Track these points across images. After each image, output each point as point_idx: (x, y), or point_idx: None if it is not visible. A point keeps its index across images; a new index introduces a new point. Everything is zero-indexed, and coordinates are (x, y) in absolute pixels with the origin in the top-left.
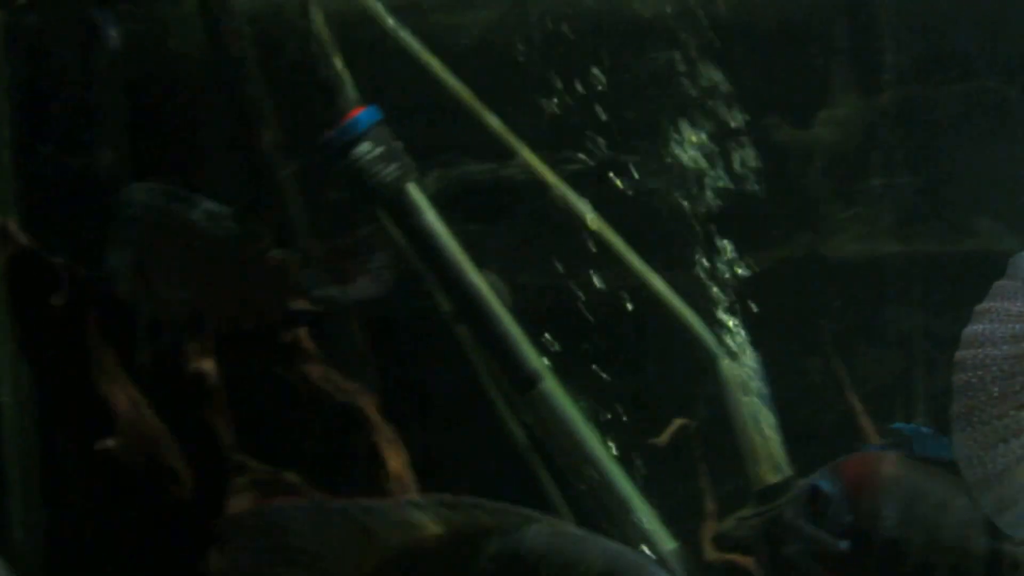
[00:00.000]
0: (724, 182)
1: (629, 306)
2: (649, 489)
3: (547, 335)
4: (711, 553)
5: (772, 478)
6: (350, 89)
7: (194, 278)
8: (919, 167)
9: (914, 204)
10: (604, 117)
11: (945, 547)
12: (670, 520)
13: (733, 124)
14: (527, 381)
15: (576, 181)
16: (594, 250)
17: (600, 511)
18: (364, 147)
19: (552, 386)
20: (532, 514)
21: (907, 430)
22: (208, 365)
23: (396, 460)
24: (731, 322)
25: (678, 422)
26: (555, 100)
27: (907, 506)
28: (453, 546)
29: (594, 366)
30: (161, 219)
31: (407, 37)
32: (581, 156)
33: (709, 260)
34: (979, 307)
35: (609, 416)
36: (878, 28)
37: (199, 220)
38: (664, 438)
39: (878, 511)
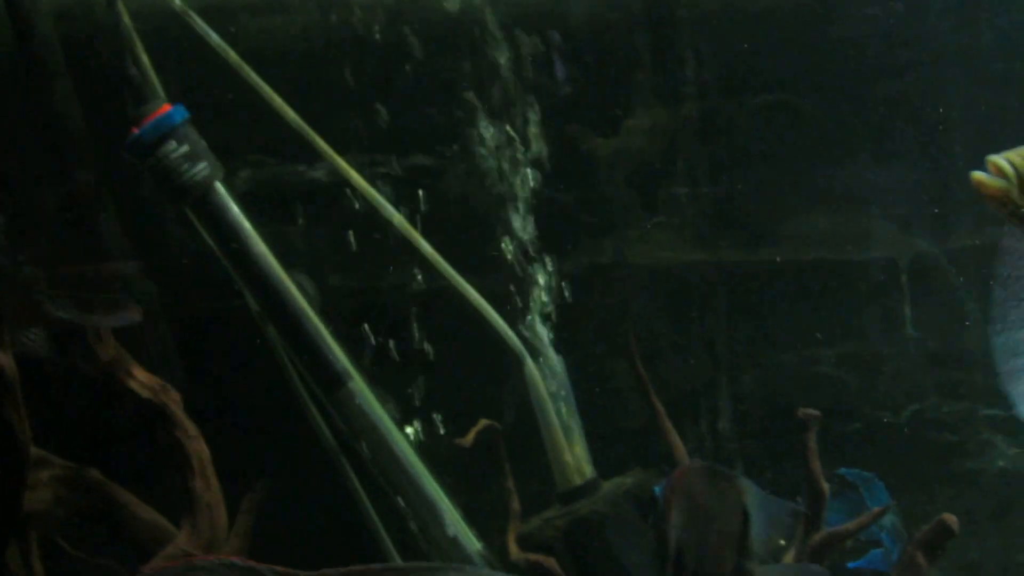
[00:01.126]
0: (533, 186)
1: (435, 307)
2: (455, 490)
3: (357, 335)
4: (516, 553)
5: (575, 480)
6: (157, 88)
7: None
8: (721, 177)
9: (717, 212)
10: (412, 120)
11: (708, 559)
12: (476, 521)
13: (537, 130)
14: (335, 381)
15: (384, 184)
16: (402, 252)
17: (408, 512)
18: (170, 145)
19: (360, 386)
20: None
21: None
22: (2, 359)
23: (199, 458)
24: (537, 325)
25: (483, 423)
26: (363, 103)
27: (689, 517)
28: None
29: (401, 367)
30: None
31: (216, 38)
32: (389, 159)
33: (517, 264)
34: None
35: (416, 418)
36: (680, 41)
37: None
38: (469, 438)
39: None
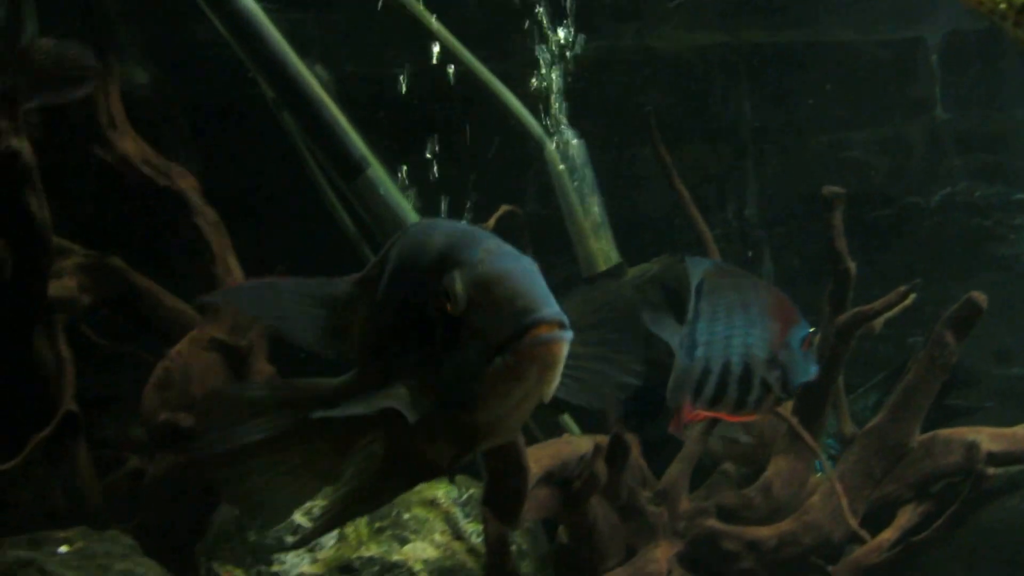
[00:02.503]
0: None
1: (455, 94)
2: None
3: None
4: None
5: (601, 266)
6: None
7: None
8: None
9: None
10: None
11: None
12: None
13: None
14: (354, 169)
15: None
16: (420, 38)
17: None
18: None
19: (379, 174)
20: None
21: None
22: (21, 143)
23: (219, 244)
24: (558, 109)
25: (504, 208)
26: None
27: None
28: None
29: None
30: None
31: None
32: None
33: (539, 48)
34: None
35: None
36: None
37: None
38: (490, 224)
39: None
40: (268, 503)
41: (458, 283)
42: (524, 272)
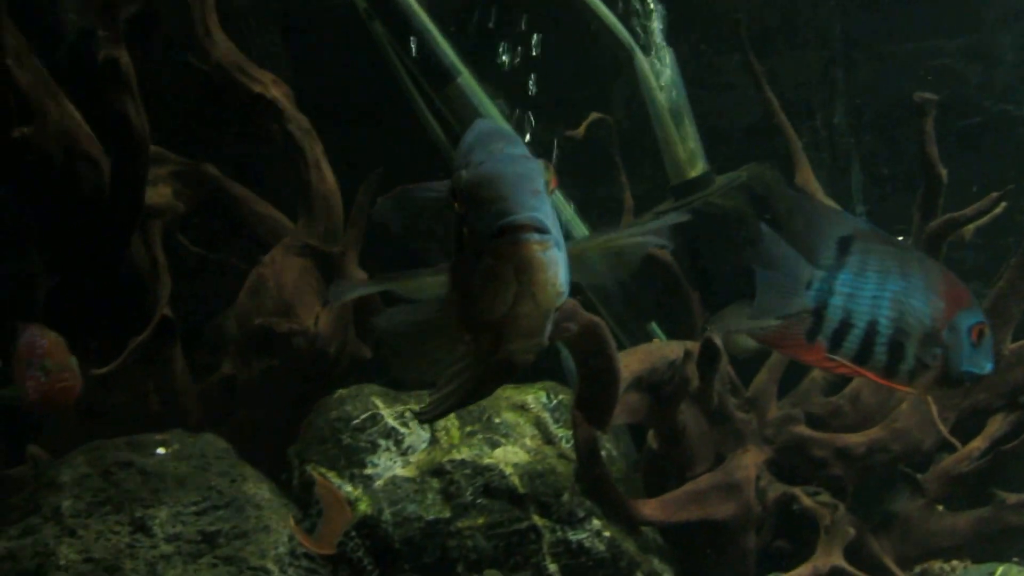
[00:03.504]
0: None
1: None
2: (569, 186)
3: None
4: None
5: (689, 174)
6: None
7: None
8: None
9: None
10: None
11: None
12: (589, 216)
13: None
14: (444, 76)
15: None
16: None
17: None
18: None
19: (468, 82)
20: None
21: None
22: (119, 51)
23: (312, 150)
24: (647, 17)
25: (594, 115)
26: None
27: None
28: None
29: (507, 59)
30: None
31: None
32: None
33: None
34: None
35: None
36: None
37: None
38: (581, 130)
39: None
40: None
41: (459, 183)
42: (512, 176)
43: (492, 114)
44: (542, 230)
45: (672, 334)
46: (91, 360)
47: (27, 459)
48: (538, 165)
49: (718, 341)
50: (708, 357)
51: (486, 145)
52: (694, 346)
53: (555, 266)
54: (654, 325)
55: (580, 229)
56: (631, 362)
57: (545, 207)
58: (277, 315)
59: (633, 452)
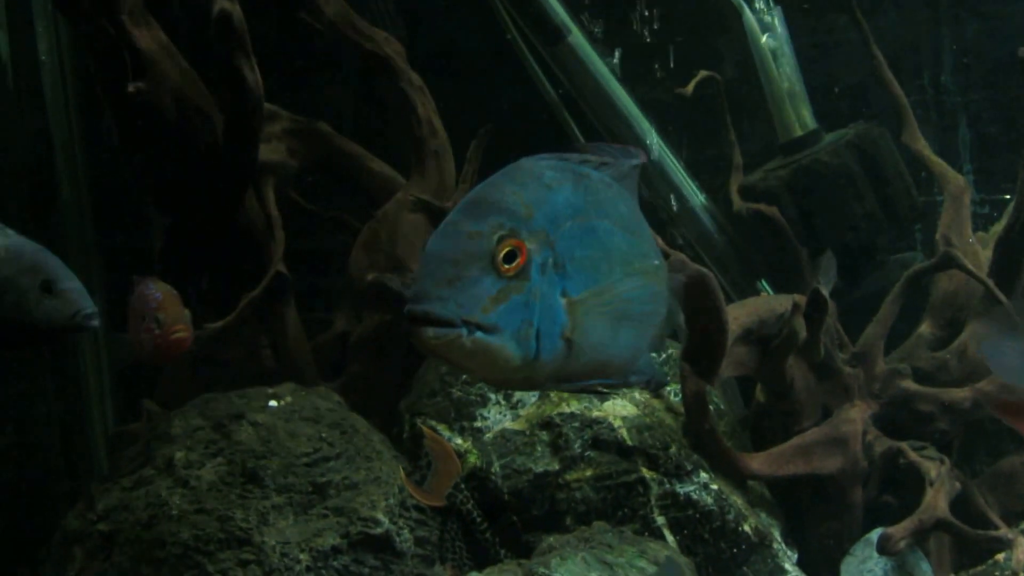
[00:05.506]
0: None
1: None
2: (678, 144)
3: None
4: (738, 203)
5: (797, 132)
6: None
7: None
8: None
9: None
10: None
11: None
12: (699, 174)
13: None
14: (555, 34)
15: None
16: None
17: None
18: None
19: (579, 40)
20: None
21: None
22: (232, 6)
23: (424, 107)
24: None
25: (703, 74)
26: None
27: None
28: None
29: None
30: None
31: None
32: None
33: None
34: None
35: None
36: None
37: None
38: (690, 88)
39: None
40: None
41: None
42: (435, 258)
43: (603, 74)
44: (439, 322)
45: (780, 290)
46: (207, 315)
47: (142, 414)
48: (483, 244)
49: (825, 292)
50: (815, 309)
51: (453, 212)
52: (802, 299)
53: (459, 352)
54: (763, 283)
55: (690, 189)
56: (740, 315)
57: (463, 294)
58: (390, 270)
59: (741, 406)
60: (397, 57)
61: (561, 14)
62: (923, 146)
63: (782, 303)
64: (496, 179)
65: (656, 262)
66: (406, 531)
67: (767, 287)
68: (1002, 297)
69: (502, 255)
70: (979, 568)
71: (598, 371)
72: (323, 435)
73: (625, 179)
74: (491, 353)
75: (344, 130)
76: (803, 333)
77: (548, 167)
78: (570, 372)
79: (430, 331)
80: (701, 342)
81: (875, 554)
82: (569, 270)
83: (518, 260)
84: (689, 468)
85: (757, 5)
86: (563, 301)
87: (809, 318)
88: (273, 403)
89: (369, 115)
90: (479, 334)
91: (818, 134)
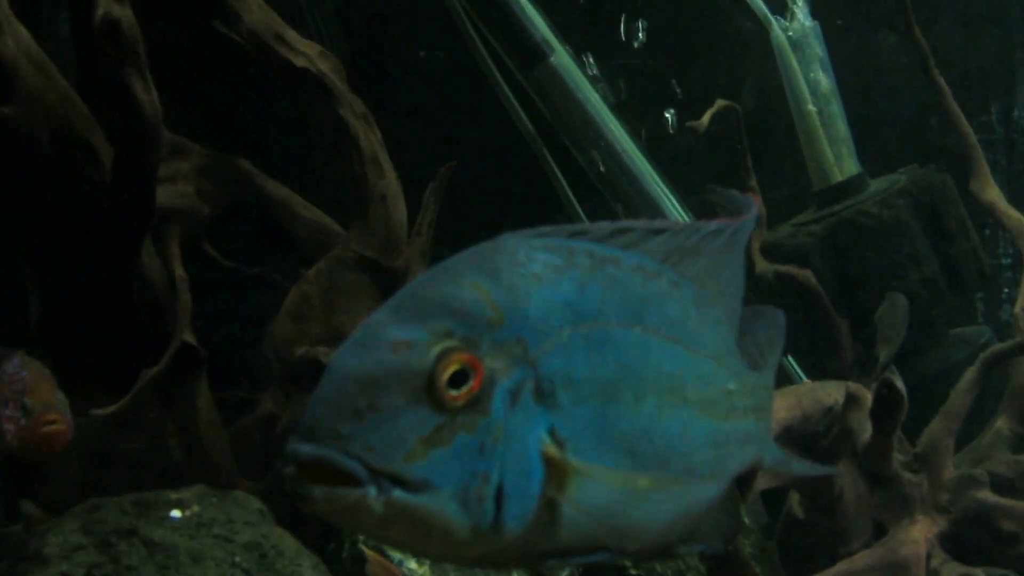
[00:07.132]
0: None
1: None
2: (688, 189)
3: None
4: (761, 264)
5: (836, 177)
6: None
7: None
8: None
9: None
10: None
11: None
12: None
13: None
14: (533, 55)
15: None
16: None
17: (611, 194)
18: None
19: (563, 61)
20: None
21: None
22: (122, 11)
23: (368, 139)
24: None
25: (720, 104)
26: None
27: None
28: None
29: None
30: None
31: None
32: None
33: None
34: None
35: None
36: None
37: None
38: (704, 122)
39: None
40: None
41: None
42: (340, 372)
43: (591, 101)
44: (334, 474)
45: (814, 372)
46: (96, 397)
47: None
48: (415, 359)
49: (900, 384)
50: (888, 404)
51: (390, 303)
52: (858, 388)
53: (368, 519)
54: (790, 359)
55: None
56: (778, 408)
57: (377, 432)
58: (325, 342)
59: (762, 511)
60: (335, 76)
61: (542, 30)
62: (996, 196)
63: (830, 393)
64: (453, 263)
65: (731, 386)
66: None
67: (795, 367)
68: None
69: (445, 377)
70: None
71: (613, 541)
72: (236, 559)
73: (726, 249)
74: (419, 521)
75: (270, 168)
76: (862, 434)
77: (543, 247)
78: (561, 546)
79: (316, 490)
80: None
81: None
82: (562, 400)
83: (470, 384)
84: None
85: (790, 18)
86: (544, 445)
87: (878, 417)
88: (176, 513)
89: (301, 149)
90: (397, 492)
91: (862, 180)
